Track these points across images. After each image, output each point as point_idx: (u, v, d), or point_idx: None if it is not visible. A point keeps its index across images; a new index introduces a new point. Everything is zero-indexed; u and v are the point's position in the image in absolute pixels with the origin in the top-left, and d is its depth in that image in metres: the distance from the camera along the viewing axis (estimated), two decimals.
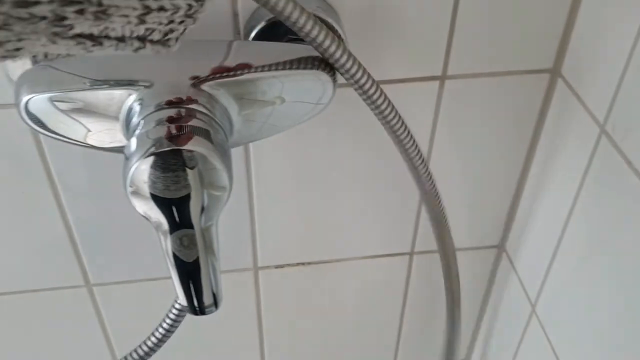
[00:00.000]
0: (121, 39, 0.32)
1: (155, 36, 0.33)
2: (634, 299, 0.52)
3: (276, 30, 0.53)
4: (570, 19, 0.58)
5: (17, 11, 0.26)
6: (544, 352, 0.69)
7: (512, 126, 0.65)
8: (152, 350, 0.66)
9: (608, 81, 0.53)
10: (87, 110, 0.45)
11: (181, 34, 0.33)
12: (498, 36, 0.58)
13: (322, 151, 0.64)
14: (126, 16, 0.30)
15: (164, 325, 0.63)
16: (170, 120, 0.42)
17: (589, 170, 0.57)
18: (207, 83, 0.45)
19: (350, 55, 0.45)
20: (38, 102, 0.44)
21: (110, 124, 0.47)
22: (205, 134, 0.42)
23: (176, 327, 0.64)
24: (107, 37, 0.31)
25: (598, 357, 0.58)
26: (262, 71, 0.47)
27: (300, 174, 0.66)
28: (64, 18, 0.28)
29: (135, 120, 0.43)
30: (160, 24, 0.32)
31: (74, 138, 0.48)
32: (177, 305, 0.62)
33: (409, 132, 0.51)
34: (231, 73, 0.45)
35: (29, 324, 0.76)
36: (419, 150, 0.52)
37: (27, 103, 0.44)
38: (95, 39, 0.31)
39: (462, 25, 0.57)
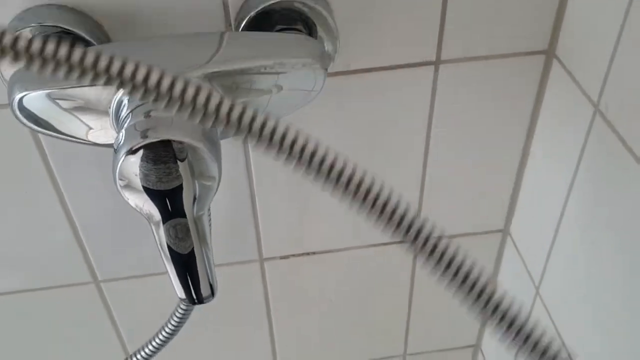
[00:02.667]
0: None
1: None
2: (635, 277, 0.52)
3: (267, 20, 0.53)
4: None
5: None
6: (548, 333, 0.69)
7: (510, 109, 0.65)
8: (161, 346, 0.66)
9: (600, 61, 0.53)
10: (80, 107, 0.46)
11: None
12: (491, 19, 0.58)
13: (321, 139, 0.64)
14: None
15: (170, 325, 0.64)
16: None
17: (585, 150, 0.57)
18: (196, 74, 0.45)
19: None
20: (31, 99, 0.45)
21: (104, 120, 0.47)
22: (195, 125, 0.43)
23: (182, 324, 0.65)
24: None
25: (602, 337, 0.58)
26: (253, 61, 0.47)
27: None
28: None
29: (124, 113, 0.44)
30: None
31: (67, 133, 0.49)
32: (182, 305, 0.62)
33: None
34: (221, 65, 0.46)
35: (39, 321, 0.77)
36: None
37: (20, 100, 0.45)
38: None
39: (454, 8, 0.57)
